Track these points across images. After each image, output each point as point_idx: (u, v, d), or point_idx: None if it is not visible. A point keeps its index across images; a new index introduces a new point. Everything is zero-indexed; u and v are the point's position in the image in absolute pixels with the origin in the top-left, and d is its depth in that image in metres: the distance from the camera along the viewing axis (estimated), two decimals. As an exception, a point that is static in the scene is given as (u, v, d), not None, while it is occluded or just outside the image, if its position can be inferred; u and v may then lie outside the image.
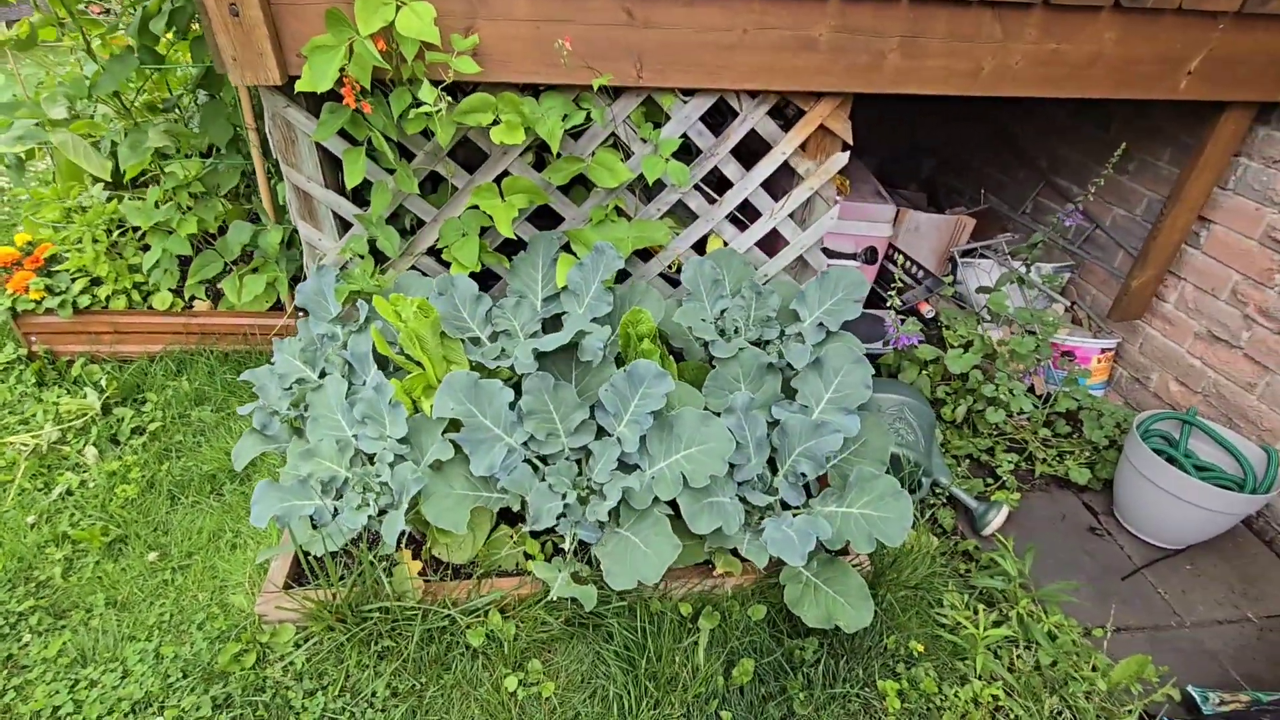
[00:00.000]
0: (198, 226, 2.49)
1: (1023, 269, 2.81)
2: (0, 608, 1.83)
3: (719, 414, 1.73)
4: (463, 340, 1.93)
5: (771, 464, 1.85)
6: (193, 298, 2.71)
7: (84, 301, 2.64)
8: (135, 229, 2.75)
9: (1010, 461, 2.46)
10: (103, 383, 2.55)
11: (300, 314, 2.26)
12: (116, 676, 1.68)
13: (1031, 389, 2.73)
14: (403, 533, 1.86)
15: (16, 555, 1.95)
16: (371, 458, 1.80)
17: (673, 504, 1.70)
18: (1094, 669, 1.79)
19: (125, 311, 2.68)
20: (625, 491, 1.66)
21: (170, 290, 2.70)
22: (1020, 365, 2.63)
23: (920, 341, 2.57)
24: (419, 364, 1.87)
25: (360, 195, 2.18)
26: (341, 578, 1.75)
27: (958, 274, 3.16)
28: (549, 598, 1.72)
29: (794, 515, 1.73)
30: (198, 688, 1.65)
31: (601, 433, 1.79)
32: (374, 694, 1.66)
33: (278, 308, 2.70)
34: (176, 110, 2.48)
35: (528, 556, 1.87)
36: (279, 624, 1.75)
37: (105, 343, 2.71)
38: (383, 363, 2.04)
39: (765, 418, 1.82)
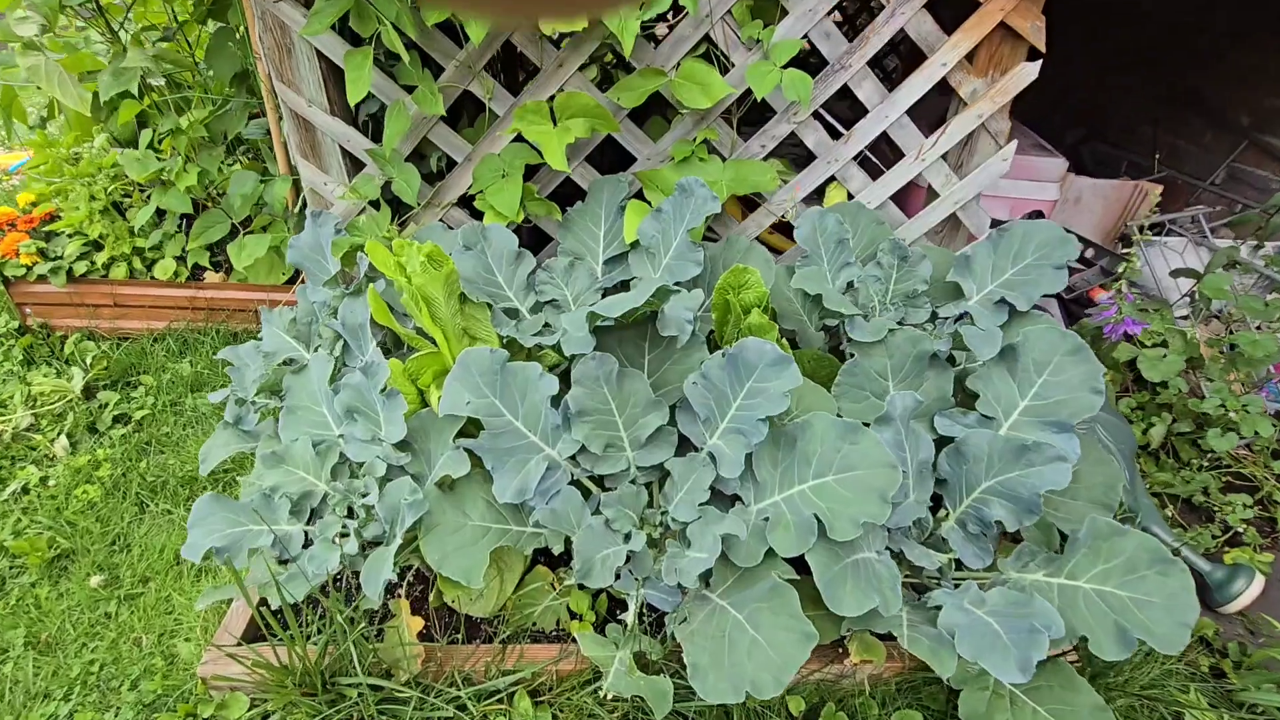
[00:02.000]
0: (199, 180, 2.08)
1: (1245, 248, 2.10)
2: (-95, 640, 1.42)
3: (866, 424, 1.14)
4: (493, 308, 1.40)
5: (935, 502, 1.24)
6: (196, 266, 2.32)
7: (80, 268, 2.29)
8: (142, 188, 2.38)
9: (1241, 505, 1.76)
10: (88, 361, 2.18)
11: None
12: (12, 753, 1.23)
13: (1255, 407, 2.00)
14: (400, 572, 1.35)
15: (-58, 570, 1.56)
16: (361, 467, 1.29)
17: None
18: None
19: (126, 281, 2.31)
20: (724, 540, 1.08)
21: (175, 258, 2.32)
22: (1242, 374, 1.93)
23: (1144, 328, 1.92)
24: (432, 340, 1.36)
25: (378, 131, 1.70)
26: (319, 630, 1.26)
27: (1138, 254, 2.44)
28: (600, 688, 1.17)
29: (980, 585, 1.12)
30: (111, 780, 1.19)
31: (686, 445, 1.22)
32: (347, 810, 1.15)
33: (297, 279, 2.28)
34: (181, 39, 2.10)
35: (573, 615, 1.33)
36: (229, 692, 1.27)
37: (105, 317, 2.35)
38: (397, 343, 1.55)
39: (928, 433, 1.22)
